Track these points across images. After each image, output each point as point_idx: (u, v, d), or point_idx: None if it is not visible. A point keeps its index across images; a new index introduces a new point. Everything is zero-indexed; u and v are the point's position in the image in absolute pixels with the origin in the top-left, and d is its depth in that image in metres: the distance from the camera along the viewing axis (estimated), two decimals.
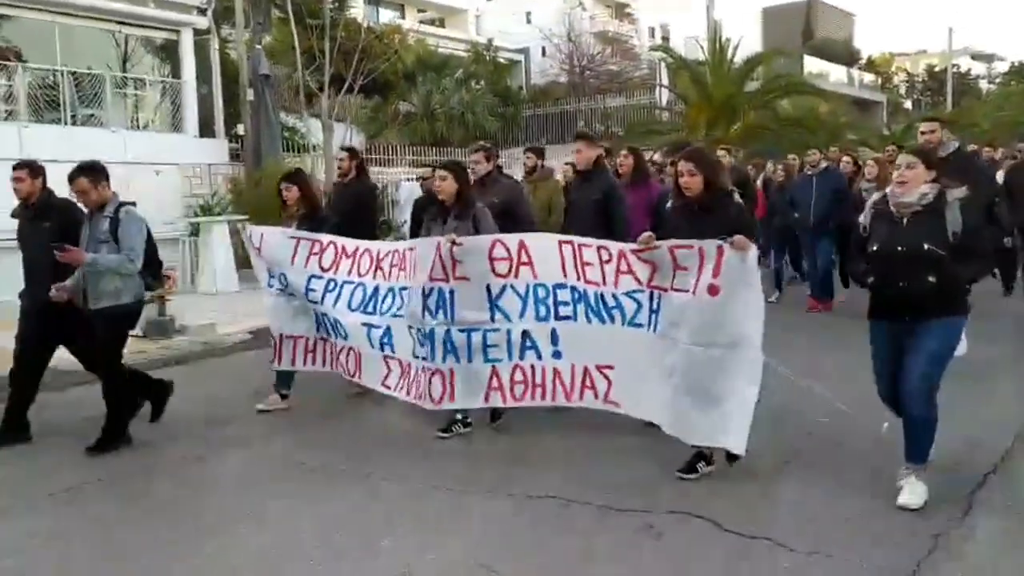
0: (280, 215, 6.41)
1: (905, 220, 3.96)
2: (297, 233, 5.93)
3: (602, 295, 4.66)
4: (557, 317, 4.86)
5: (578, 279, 4.77)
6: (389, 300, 5.47)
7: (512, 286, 4.95)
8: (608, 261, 4.64)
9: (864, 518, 3.86)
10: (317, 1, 17.66)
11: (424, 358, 5.17)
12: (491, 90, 29.26)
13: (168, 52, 16.87)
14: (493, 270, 4.96)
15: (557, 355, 4.88)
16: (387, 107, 26.20)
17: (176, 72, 16.46)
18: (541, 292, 4.89)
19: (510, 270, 4.93)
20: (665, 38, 44.35)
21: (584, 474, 4.55)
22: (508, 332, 4.94)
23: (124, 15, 15.37)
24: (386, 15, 35.75)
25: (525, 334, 4.91)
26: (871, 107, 42.61)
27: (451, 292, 5.02)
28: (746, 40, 23.06)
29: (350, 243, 5.79)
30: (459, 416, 5.36)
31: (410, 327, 5.26)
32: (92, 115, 15.49)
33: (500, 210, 5.77)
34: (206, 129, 16.67)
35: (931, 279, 3.85)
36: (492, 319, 4.98)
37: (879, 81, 50.10)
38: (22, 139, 13.04)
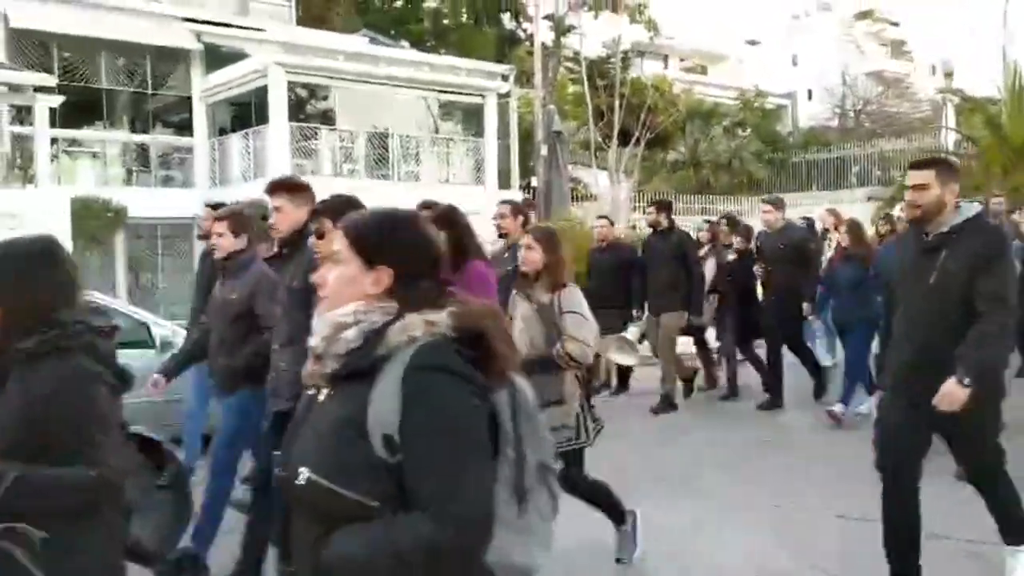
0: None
1: (323, 394, 1.63)
2: None
3: None
4: None
5: None
6: None
7: None
8: None
9: None
10: (604, 62, 19.01)
11: None
12: (758, 136, 29.33)
13: (472, 113, 18.96)
14: None
15: None
16: (655, 156, 27.19)
17: (479, 131, 18.45)
18: None
19: None
20: (948, 75, 41.69)
21: None
22: None
23: (442, 84, 17.63)
24: (650, 65, 37.01)
25: None
26: None
27: None
28: None
29: None
30: None
31: None
32: (409, 171, 17.82)
33: (239, 308, 4.09)
34: (503, 181, 18.48)
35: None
36: None
37: None
38: (362, 192, 15.38)
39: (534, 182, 18.00)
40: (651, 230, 7.99)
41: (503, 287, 4.30)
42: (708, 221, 8.95)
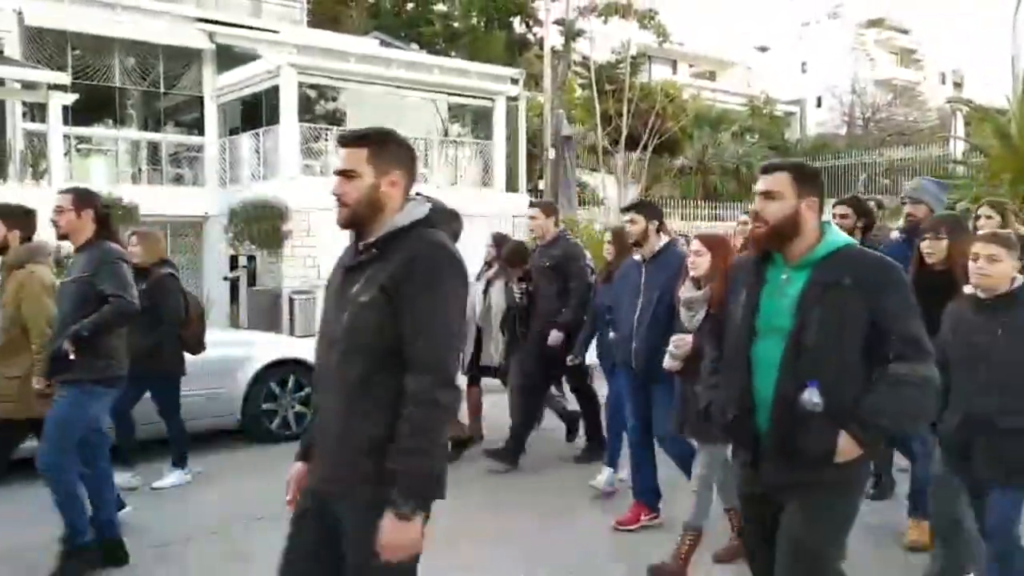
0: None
1: None
2: None
3: None
4: None
5: None
6: None
7: None
8: None
9: None
10: (612, 67, 19.10)
11: None
12: (766, 143, 29.38)
13: (481, 116, 19.05)
14: None
15: None
16: (662, 161, 27.23)
17: (488, 134, 18.53)
18: None
19: None
20: (958, 84, 41.71)
21: None
22: None
23: (452, 87, 17.73)
24: (659, 71, 37.08)
25: None
26: None
27: None
28: None
29: None
30: None
31: None
32: (419, 173, 17.91)
33: None
34: (511, 184, 18.57)
35: None
36: None
37: None
38: None
39: (541, 185, 18.11)
40: None
41: None
42: (497, 234, 6.82)
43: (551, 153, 17.31)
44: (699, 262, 4.05)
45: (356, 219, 2.26)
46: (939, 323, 3.56)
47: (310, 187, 15.48)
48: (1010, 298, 3.28)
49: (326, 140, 16.79)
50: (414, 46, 22.45)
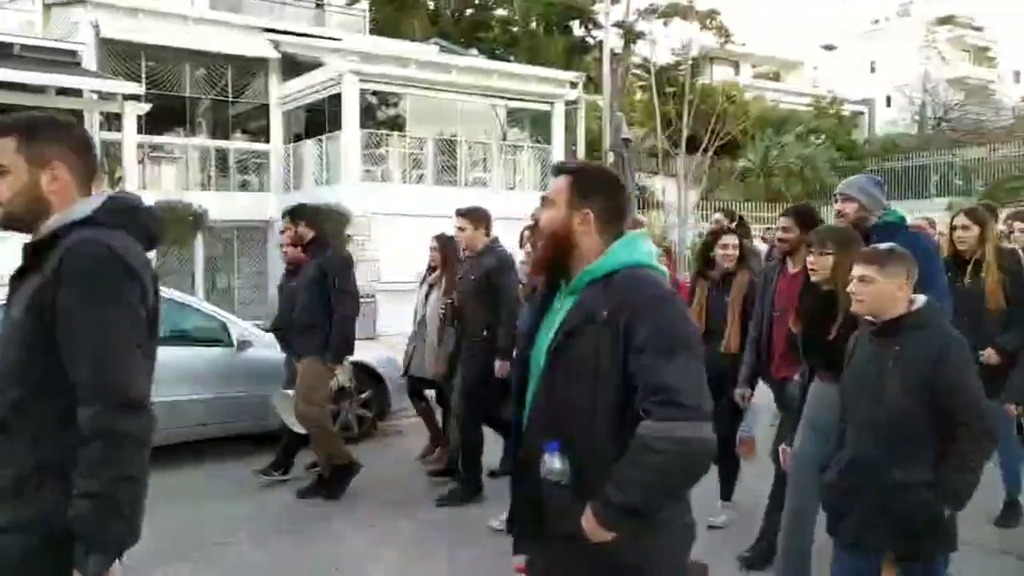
0: None
1: None
2: None
3: None
4: None
5: None
6: None
7: None
8: None
9: None
10: (673, 69, 18.93)
11: None
12: (833, 144, 28.69)
13: (539, 120, 19.09)
14: None
15: None
16: (723, 164, 26.82)
17: (547, 138, 18.56)
18: None
19: None
20: None
21: None
22: None
23: (511, 91, 17.83)
24: (721, 72, 36.56)
25: None
26: None
27: None
28: None
29: None
30: None
31: None
32: (477, 177, 18.03)
33: None
34: None
35: None
36: None
37: None
38: (430, 199, 15.65)
39: None
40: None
41: None
42: (441, 236, 6.14)
43: (610, 157, 17.20)
44: None
45: (14, 221, 1.93)
46: (827, 350, 3.31)
47: (371, 192, 15.74)
48: (905, 322, 2.74)
49: (387, 146, 17.05)
50: (474, 51, 22.60)
